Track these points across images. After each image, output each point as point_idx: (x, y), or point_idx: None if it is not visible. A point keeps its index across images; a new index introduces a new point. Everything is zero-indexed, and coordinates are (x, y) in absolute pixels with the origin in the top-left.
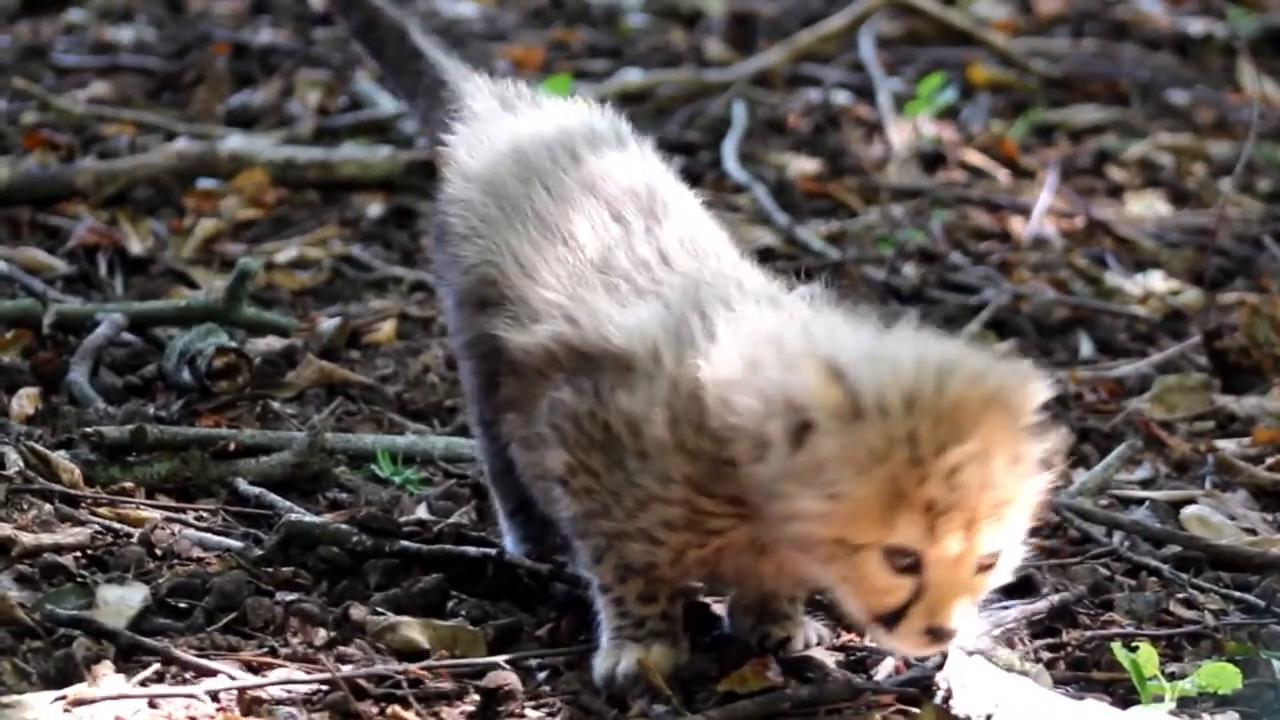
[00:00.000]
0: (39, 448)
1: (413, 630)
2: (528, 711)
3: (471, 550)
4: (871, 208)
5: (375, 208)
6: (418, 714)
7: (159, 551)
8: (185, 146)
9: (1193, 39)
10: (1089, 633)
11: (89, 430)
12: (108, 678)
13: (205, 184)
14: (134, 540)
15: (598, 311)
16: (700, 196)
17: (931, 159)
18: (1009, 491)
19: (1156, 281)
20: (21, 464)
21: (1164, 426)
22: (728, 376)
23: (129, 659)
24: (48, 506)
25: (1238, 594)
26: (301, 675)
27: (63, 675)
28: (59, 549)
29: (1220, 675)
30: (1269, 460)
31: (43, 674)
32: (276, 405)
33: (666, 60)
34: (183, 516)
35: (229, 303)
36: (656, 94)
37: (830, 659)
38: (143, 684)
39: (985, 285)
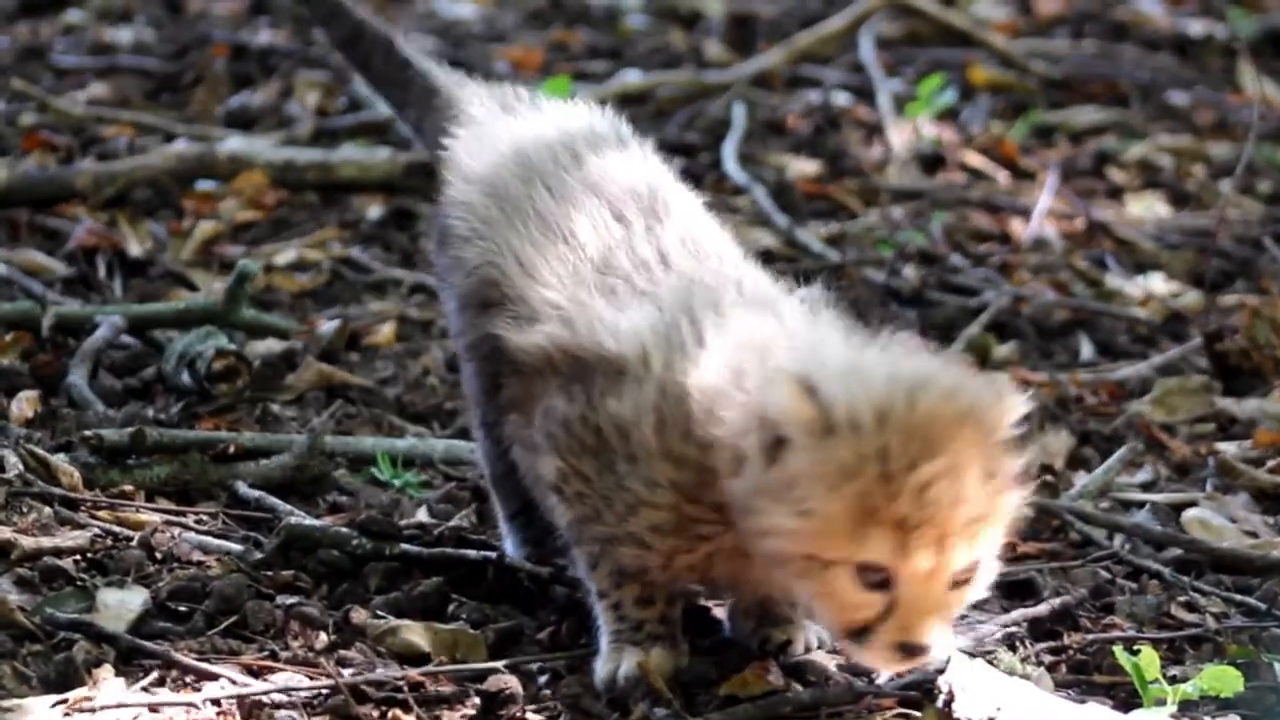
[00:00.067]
0: (38, 451)
1: (413, 634)
2: (528, 715)
3: (472, 553)
4: (871, 209)
5: (375, 210)
6: (418, 717)
7: (159, 555)
8: (184, 148)
9: (1193, 40)
10: (1090, 636)
11: (88, 433)
12: (108, 682)
13: (204, 186)
14: (134, 543)
15: (592, 315)
16: (700, 198)
17: (931, 160)
18: (982, 507)
19: (1157, 283)
20: (21, 467)
21: (1165, 429)
22: (713, 385)
23: (129, 663)
24: (47, 510)
25: (1239, 597)
26: (302, 679)
27: (63, 679)
28: (59, 552)
29: (1222, 678)
30: (1270, 463)
31: (43, 678)
32: (276, 408)
33: (666, 61)
34: (183, 520)
35: (228, 305)
36: (656, 95)
37: (831, 662)
38: (143, 689)
39: (985, 287)
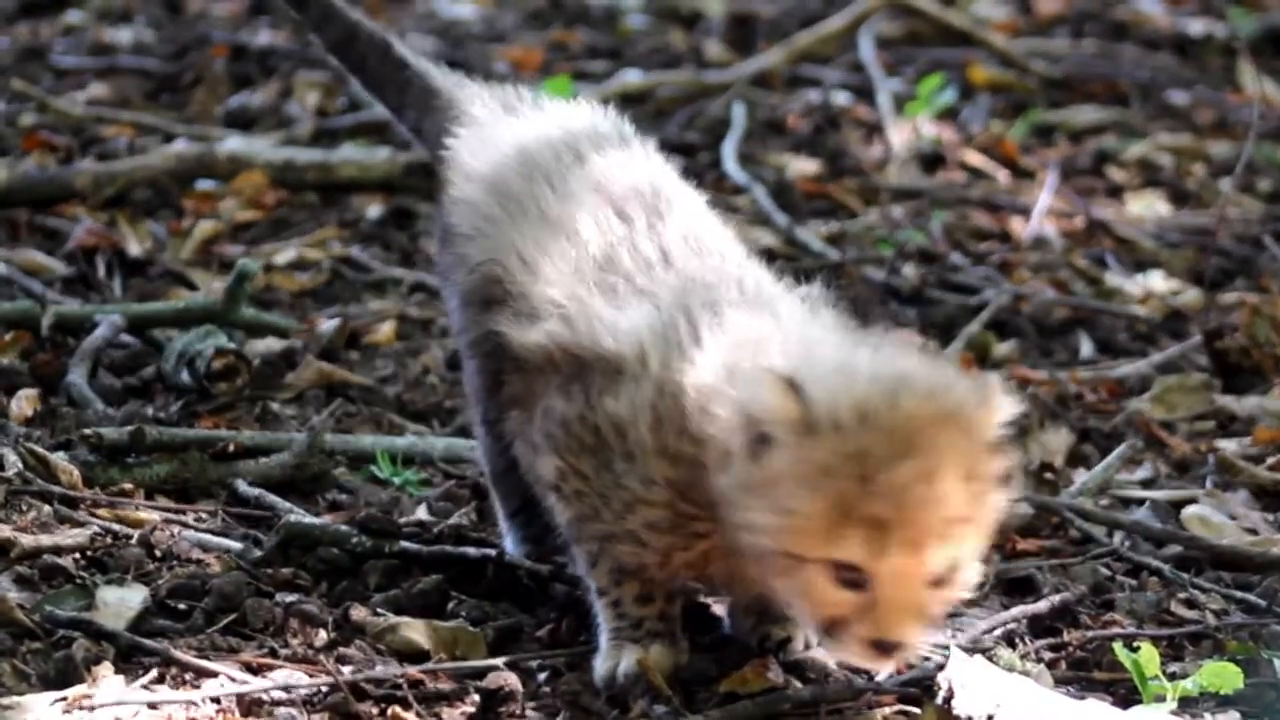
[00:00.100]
0: (38, 449)
1: (413, 631)
2: (528, 713)
3: (471, 551)
4: (871, 208)
5: (374, 209)
6: (418, 715)
7: (158, 553)
8: (184, 148)
9: (1193, 39)
10: (1090, 633)
11: (88, 432)
12: (107, 679)
13: (204, 185)
14: (133, 542)
15: (592, 313)
16: (702, 197)
17: (931, 159)
18: (960, 509)
19: (1157, 282)
20: (21, 465)
21: (1164, 426)
22: (707, 383)
23: (129, 660)
24: (47, 508)
25: (1239, 594)
26: (302, 676)
27: (62, 677)
28: (58, 550)
29: (1222, 675)
30: (1270, 460)
31: (42, 675)
32: (276, 406)
33: (666, 61)
34: (182, 518)
35: (228, 304)
36: (656, 95)
37: (831, 659)
38: (143, 686)
39: (985, 286)
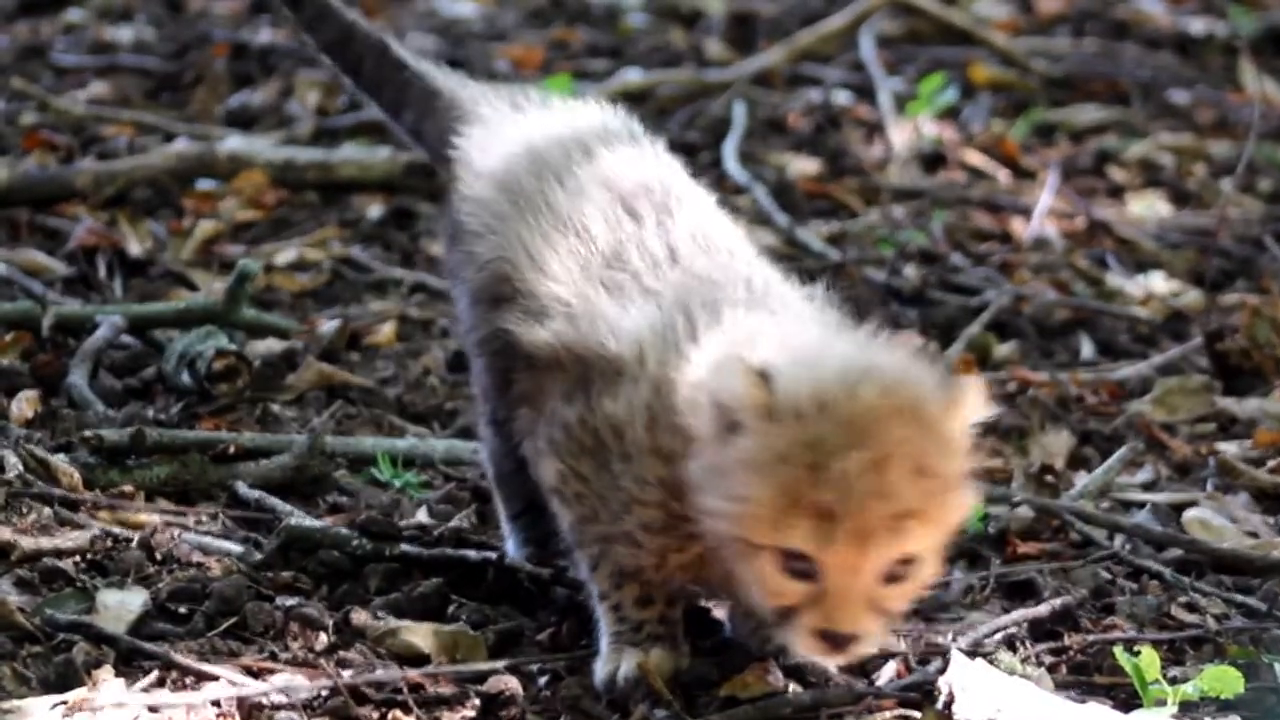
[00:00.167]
0: (38, 451)
1: (413, 635)
2: (528, 717)
3: (472, 554)
4: (872, 208)
5: (375, 209)
6: (418, 719)
7: (159, 556)
8: (184, 147)
9: (1194, 38)
10: (1090, 636)
11: (88, 433)
12: (107, 683)
13: (204, 185)
14: (134, 544)
15: (596, 313)
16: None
17: (932, 159)
18: (911, 503)
19: (1158, 283)
20: (21, 467)
21: (1165, 429)
22: (695, 377)
23: (129, 664)
24: (47, 510)
25: (1240, 597)
26: (302, 680)
27: (62, 680)
28: (58, 553)
29: (1222, 679)
30: (1270, 463)
31: (42, 679)
32: (276, 408)
33: (666, 60)
34: (183, 520)
35: (228, 305)
36: (656, 94)
37: (831, 663)
38: (143, 690)
39: (986, 286)
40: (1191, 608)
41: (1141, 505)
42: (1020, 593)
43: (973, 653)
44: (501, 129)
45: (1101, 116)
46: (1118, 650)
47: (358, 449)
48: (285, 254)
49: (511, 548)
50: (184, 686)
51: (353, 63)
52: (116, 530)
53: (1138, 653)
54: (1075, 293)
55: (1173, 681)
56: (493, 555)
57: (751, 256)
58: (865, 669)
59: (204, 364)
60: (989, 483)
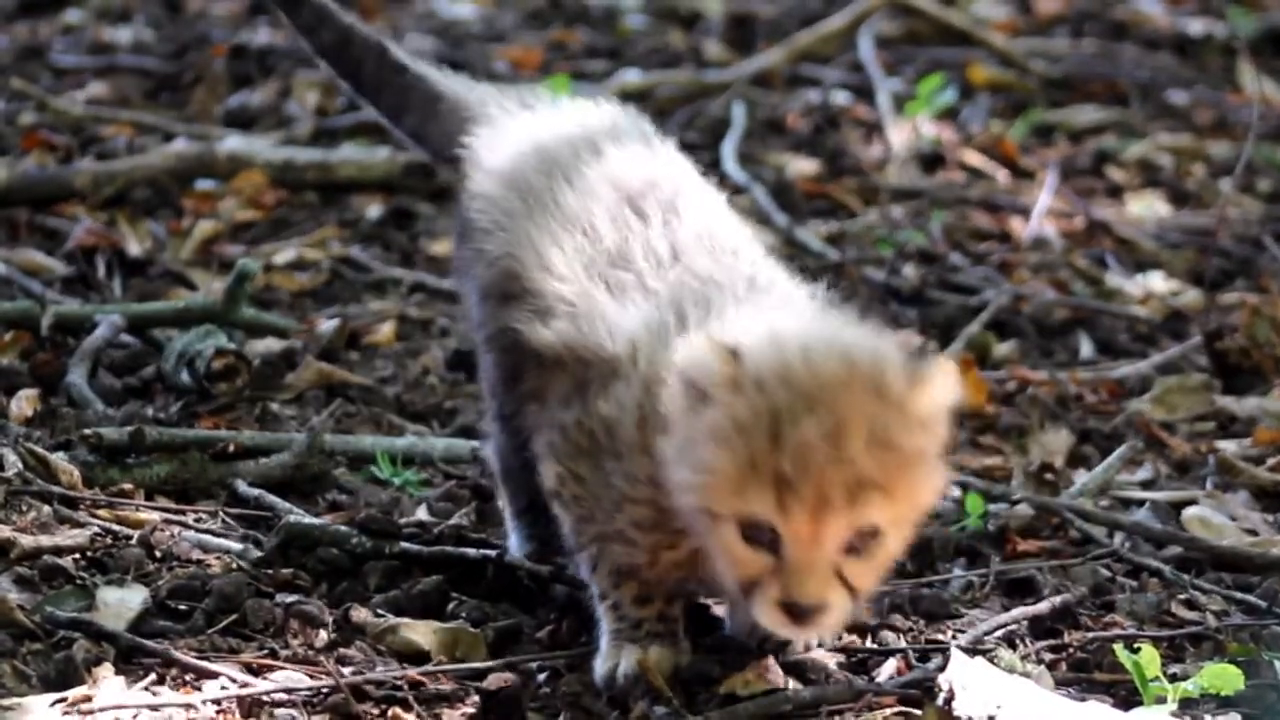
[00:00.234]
0: (38, 449)
1: (413, 632)
2: (528, 714)
3: (471, 552)
4: (871, 208)
5: (374, 209)
6: (418, 716)
7: (158, 553)
8: (183, 147)
9: (1192, 39)
10: (1091, 634)
11: (88, 432)
12: (107, 680)
13: (204, 185)
14: (133, 542)
15: (598, 313)
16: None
17: (931, 159)
18: (869, 472)
19: (1157, 282)
20: (20, 466)
21: (1165, 427)
22: (674, 361)
23: (129, 661)
24: (47, 508)
25: (1239, 595)
26: (302, 677)
27: (62, 678)
28: (58, 551)
29: (1222, 676)
30: (1270, 461)
31: (43, 676)
32: (275, 407)
33: (665, 61)
34: (182, 518)
35: (228, 304)
36: (655, 95)
37: (831, 660)
38: (143, 687)
39: (985, 286)
40: (1191, 605)
41: (1141, 503)
42: (1020, 590)
43: (973, 650)
44: (511, 128)
45: (1100, 117)
46: (1118, 648)
47: (357, 447)
48: (284, 253)
49: (514, 544)
50: (184, 684)
51: (351, 67)
52: (116, 528)
53: (1138, 650)
54: (1074, 292)
55: (1173, 679)
56: (492, 553)
57: (757, 256)
58: (865, 666)
59: (203, 363)
60: (989, 481)
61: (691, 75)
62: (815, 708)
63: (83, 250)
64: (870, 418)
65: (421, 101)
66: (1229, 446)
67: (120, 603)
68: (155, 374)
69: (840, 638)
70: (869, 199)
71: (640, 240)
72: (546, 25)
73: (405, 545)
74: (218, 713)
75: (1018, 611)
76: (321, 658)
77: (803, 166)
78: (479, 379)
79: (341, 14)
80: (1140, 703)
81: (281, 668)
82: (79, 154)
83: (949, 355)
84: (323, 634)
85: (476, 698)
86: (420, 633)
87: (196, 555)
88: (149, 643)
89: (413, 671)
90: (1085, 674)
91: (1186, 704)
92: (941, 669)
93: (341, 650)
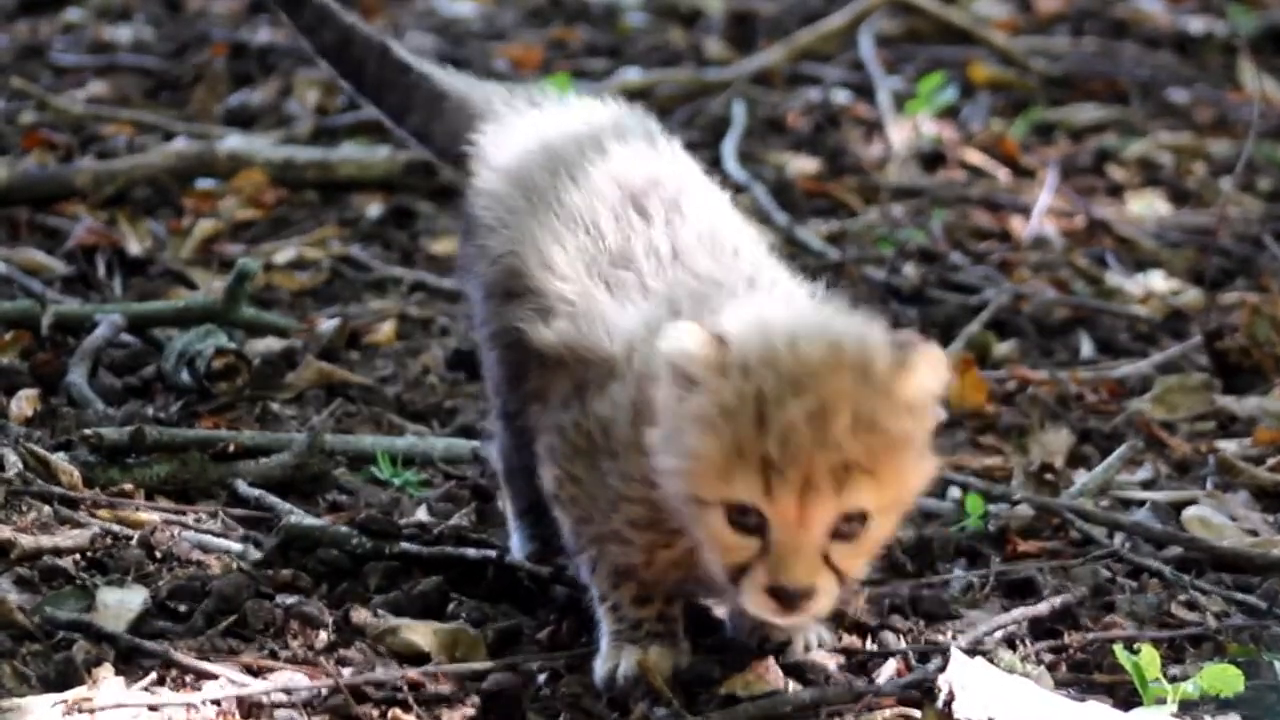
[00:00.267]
0: (38, 449)
1: (413, 633)
2: (529, 715)
3: (472, 553)
4: (871, 207)
5: (374, 208)
6: (418, 717)
7: (159, 554)
8: (184, 146)
9: (1193, 37)
10: (1090, 635)
11: (88, 432)
12: (107, 681)
13: (204, 184)
14: (133, 543)
15: (597, 314)
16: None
17: (931, 158)
18: (855, 455)
19: (1157, 281)
20: (20, 466)
21: (1165, 427)
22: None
23: (129, 662)
24: (47, 509)
25: (1240, 595)
26: (302, 678)
27: (62, 679)
28: (58, 551)
29: (1222, 677)
30: (1270, 461)
31: (42, 677)
32: (276, 406)
33: (666, 59)
34: (182, 519)
35: (228, 303)
36: (656, 93)
37: (831, 662)
38: (143, 688)
39: (985, 285)
40: (1191, 606)
41: (1141, 503)
42: (1020, 591)
43: (972, 651)
44: (518, 125)
45: (1101, 115)
46: (1117, 648)
47: (357, 447)
48: (284, 253)
49: (516, 545)
50: (184, 685)
51: (354, 66)
52: (116, 528)
53: (1138, 651)
54: (1075, 291)
55: (1173, 680)
56: (492, 553)
57: (759, 256)
58: (865, 667)
59: (203, 362)
60: (989, 481)
61: (692, 73)
62: (815, 709)
63: (83, 249)
64: (856, 401)
65: (426, 100)
66: (1229, 446)
67: (120, 603)
68: (155, 373)
69: (840, 639)
70: (869, 198)
71: (642, 239)
72: (547, 23)
73: (405, 546)
74: (217, 714)
75: (1018, 612)
76: (321, 659)
77: (803, 165)
78: (483, 377)
79: (343, 14)
80: (1140, 704)
81: (281, 669)
82: (79, 153)
83: (950, 354)
84: (323, 635)
85: (476, 698)
86: (420, 634)
87: (196, 556)
88: (149, 644)
89: (413, 672)
90: (1085, 675)
91: (1186, 705)
92: (941, 670)
93: (341, 651)
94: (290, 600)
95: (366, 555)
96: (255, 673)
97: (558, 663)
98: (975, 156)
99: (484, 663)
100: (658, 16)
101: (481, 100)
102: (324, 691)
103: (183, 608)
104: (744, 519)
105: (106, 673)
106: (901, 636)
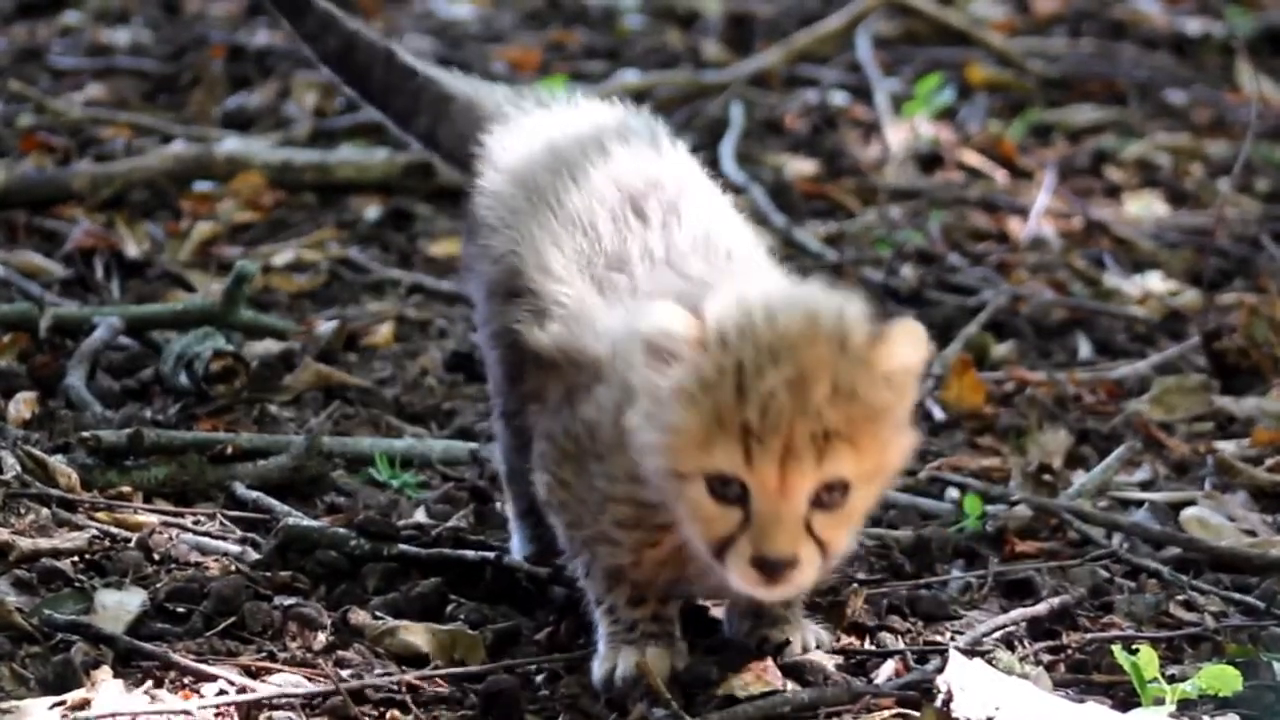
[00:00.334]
0: (36, 452)
1: (412, 634)
2: (527, 716)
3: (470, 554)
4: (869, 209)
5: (372, 210)
6: (417, 718)
7: (157, 556)
8: (182, 149)
9: (1190, 39)
10: (1089, 635)
11: (86, 434)
12: (106, 683)
13: (202, 186)
14: (132, 545)
15: (588, 317)
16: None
17: (929, 159)
18: (834, 423)
19: (1155, 282)
20: (19, 468)
21: (1163, 428)
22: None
23: (127, 664)
24: (45, 511)
25: (1238, 596)
26: (300, 680)
27: (61, 681)
28: (57, 554)
29: (1221, 677)
30: (1268, 461)
31: (41, 679)
32: (274, 409)
33: (663, 61)
34: (180, 521)
35: (226, 306)
36: (654, 95)
37: (830, 662)
38: (142, 690)
39: (983, 286)
40: (1190, 606)
41: (1139, 504)
42: (1018, 591)
43: (971, 651)
44: (525, 126)
45: (1098, 116)
46: (1116, 649)
47: (355, 449)
48: (283, 255)
49: (516, 545)
50: (182, 687)
51: (358, 72)
52: (115, 530)
53: (1136, 651)
54: (1073, 292)
55: (1171, 680)
56: (491, 555)
57: (755, 259)
58: (864, 667)
59: (201, 365)
60: (987, 482)
61: (689, 75)
62: (813, 709)
63: (81, 252)
64: (835, 371)
65: (432, 104)
66: (1227, 447)
67: (119, 605)
68: (153, 376)
69: (838, 639)
70: (867, 199)
71: (638, 242)
72: (545, 25)
73: (404, 547)
74: (216, 716)
75: (1016, 613)
76: (320, 660)
77: (801, 167)
78: (486, 375)
79: (346, 20)
80: (1138, 704)
81: (280, 670)
82: (77, 156)
83: (947, 356)
84: (321, 636)
85: (475, 700)
86: (419, 635)
87: (195, 558)
88: (147, 645)
89: (411, 674)
90: (1083, 675)
91: (1185, 705)
92: (940, 670)
93: (340, 653)
94: (289, 602)
95: (365, 557)
96: (254, 674)
97: (556, 664)
98: (973, 158)
99: (482, 664)
100: (655, 19)
101: (489, 102)
102: (322, 693)
103: (181, 609)
104: (725, 490)
105: (105, 675)
106: (900, 637)
